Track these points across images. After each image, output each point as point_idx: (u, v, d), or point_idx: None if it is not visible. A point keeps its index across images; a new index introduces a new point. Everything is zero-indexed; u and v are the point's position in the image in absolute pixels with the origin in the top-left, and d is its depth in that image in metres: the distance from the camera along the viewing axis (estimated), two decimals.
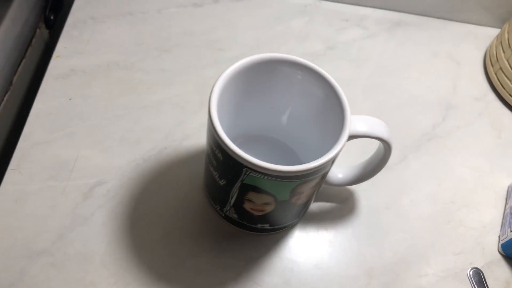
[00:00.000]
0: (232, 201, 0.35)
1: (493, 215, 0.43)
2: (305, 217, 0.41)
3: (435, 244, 0.41)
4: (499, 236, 0.42)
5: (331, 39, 0.52)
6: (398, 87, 0.50)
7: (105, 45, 0.48)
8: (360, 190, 0.43)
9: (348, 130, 0.32)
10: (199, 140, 0.44)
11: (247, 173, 0.31)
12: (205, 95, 0.47)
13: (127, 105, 0.45)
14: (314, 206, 0.41)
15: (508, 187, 0.45)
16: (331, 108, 0.34)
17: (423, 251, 0.41)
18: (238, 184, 0.33)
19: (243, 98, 0.37)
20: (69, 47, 0.48)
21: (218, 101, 0.32)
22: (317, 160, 0.31)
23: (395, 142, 0.37)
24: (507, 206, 0.43)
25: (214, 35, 0.51)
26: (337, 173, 0.40)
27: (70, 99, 0.45)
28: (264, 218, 0.37)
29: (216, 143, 0.31)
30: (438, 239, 0.41)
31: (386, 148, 0.36)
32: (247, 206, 0.35)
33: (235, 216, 0.37)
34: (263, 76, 0.36)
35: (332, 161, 0.32)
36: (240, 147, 0.43)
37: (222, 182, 0.34)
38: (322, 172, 0.32)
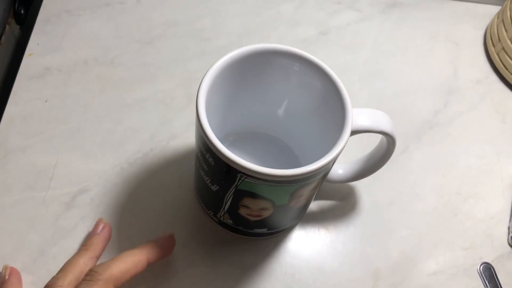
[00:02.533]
0: (226, 207, 0.33)
1: (501, 205, 0.41)
2: (305, 217, 0.38)
3: (443, 239, 0.39)
4: (508, 227, 0.40)
5: (323, 24, 0.49)
6: (396, 73, 0.47)
7: (82, 40, 0.45)
8: (362, 185, 0.40)
9: (350, 125, 0.30)
10: (188, 139, 0.41)
11: (242, 178, 0.28)
12: (192, 89, 0.44)
13: (108, 105, 0.41)
14: (314, 204, 0.39)
15: None
16: (330, 102, 0.32)
17: (430, 248, 0.38)
18: (232, 190, 0.30)
19: (234, 93, 0.34)
20: (43, 44, 0.44)
21: (207, 97, 0.29)
22: (318, 161, 0.28)
23: (396, 132, 0.34)
24: None
25: (199, 24, 0.47)
26: (337, 169, 0.37)
27: (45, 101, 0.41)
28: (261, 223, 0.34)
29: (206, 146, 0.29)
30: (445, 234, 0.39)
31: (390, 142, 0.33)
32: (243, 211, 0.32)
33: (229, 221, 0.35)
34: (256, 69, 0.33)
35: (334, 160, 0.29)
36: (232, 146, 0.41)
37: (214, 188, 0.32)
38: (323, 173, 0.30)
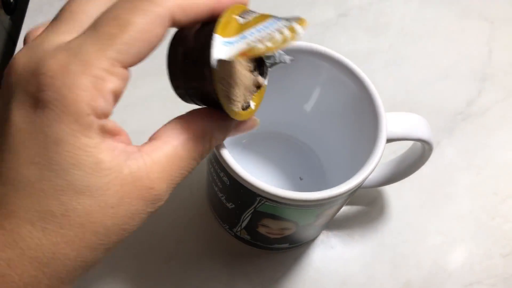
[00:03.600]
0: (243, 224, 0.29)
1: None
2: (328, 226, 0.35)
3: (479, 246, 0.36)
4: None
5: (343, 4, 0.45)
6: (424, 57, 0.43)
7: None
8: (389, 188, 0.37)
9: (385, 136, 0.26)
10: None
11: (262, 202, 0.25)
12: None
13: None
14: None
15: None
16: (360, 105, 0.28)
17: (466, 256, 0.35)
18: (250, 211, 0.27)
19: None
20: None
21: None
22: (351, 180, 0.24)
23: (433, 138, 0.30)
24: None
25: None
26: None
27: None
28: (283, 240, 0.31)
29: (219, 165, 0.25)
30: (482, 239, 0.36)
31: (426, 149, 0.30)
32: (262, 230, 0.29)
33: (247, 237, 0.32)
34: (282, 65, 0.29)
35: (368, 176, 0.25)
36: (246, 148, 0.36)
37: (230, 206, 0.28)
38: (355, 191, 0.26)
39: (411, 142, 0.31)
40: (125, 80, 0.17)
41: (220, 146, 0.24)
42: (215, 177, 0.27)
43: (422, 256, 0.35)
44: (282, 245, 0.32)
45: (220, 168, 0.25)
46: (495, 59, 0.43)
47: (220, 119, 0.20)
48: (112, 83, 0.16)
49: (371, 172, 0.25)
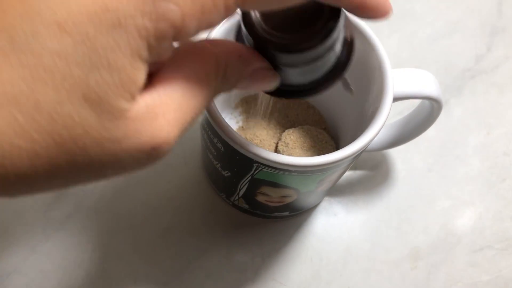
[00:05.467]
0: (241, 193, 0.28)
1: None
2: (331, 191, 0.33)
3: (490, 209, 0.34)
4: None
5: None
6: (430, 12, 0.40)
7: None
8: (394, 151, 0.35)
9: (391, 94, 0.24)
10: None
11: (259, 168, 0.23)
12: None
13: None
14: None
15: None
16: (364, 62, 0.26)
17: (476, 220, 0.33)
18: (247, 178, 0.25)
19: None
20: None
21: None
22: (355, 142, 0.23)
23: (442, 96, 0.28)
24: None
25: None
26: None
27: None
28: (283, 208, 0.29)
29: (212, 130, 0.23)
30: (492, 202, 0.34)
31: (435, 108, 0.27)
32: (261, 198, 0.27)
33: (245, 206, 0.30)
34: None
35: (373, 138, 0.23)
36: (245, 113, 0.34)
37: (226, 174, 0.26)
38: (360, 153, 0.24)
39: (417, 101, 0.29)
40: None
41: (211, 109, 0.22)
42: (208, 144, 0.25)
43: (429, 221, 0.33)
44: (283, 213, 0.30)
45: (214, 133, 0.23)
46: (505, 13, 0.41)
47: (239, 49, 0.16)
48: None
49: (376, 134, 0.23)
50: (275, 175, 0.23)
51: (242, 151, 0.22)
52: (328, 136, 0.31)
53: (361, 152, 0.24)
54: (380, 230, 0.33)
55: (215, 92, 0.16)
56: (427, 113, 0.29)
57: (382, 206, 0.33)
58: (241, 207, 0.30)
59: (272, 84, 0.18)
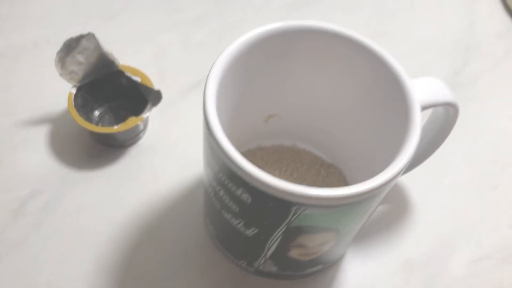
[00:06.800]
0: (270, 253, 0.24)
1: None
2: None
3: (484, 217, 0.32)
4: None
5: None
6: (405, 31, 0.41)
7: (30, 20, 0.38)
8: None
9: (418, 104, 0.22)
10: (160, 127, 0.33)
11: (299, 211, 0.19)
12: (165, 65, 0.37)
13: (64, 91, 0.34)
14: None
15: None
16: (378, 85, 0.24)
17: (470, 228, 0.31)
18: (281, 230, 0.21)
19: (246, 85, 0.25)
20: None
21: (217, 99, 0.21)
22: (400, 157, 0.20)
23: None
24: None
25: None
26: None
27: None
28: (317, 260, 0.26)
29: (235, 179, 0.19)
30: (486, 210, 0.32)
31: (451, 114, 0.25)
32: (295, 253, 0.24)
33: (273, 269, 0.26)
34: (279, 52, 0.24)
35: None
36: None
37: (251, 232, 0.23)
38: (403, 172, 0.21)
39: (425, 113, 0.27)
40: None
41: (234, 155, 0.19)
42: (227, 201, 0.22)
43: (422, 231, 0.31)
44: (315, 267, 0.27)
45: (237, 183, 0.20)
46: (477, 31, 0.41)
47: None
48: None
49: (418, 141, 0.21)
50: (317, 216, 0.20)
51: (281, 194, 0.18)
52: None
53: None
54: (369, 242, 0.30)
55: None
56: (443, 121, 0.26)
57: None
58: (267, 273, 0.26)
59: None
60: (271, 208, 0.20)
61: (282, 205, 0.19)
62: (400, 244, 0.30)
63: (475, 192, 0.33)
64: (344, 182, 0.30)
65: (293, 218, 0.20)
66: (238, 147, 0.28)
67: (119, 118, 0.32)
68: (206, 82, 0.21)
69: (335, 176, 0.30)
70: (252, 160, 0.29)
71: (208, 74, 0.21)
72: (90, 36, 0.29)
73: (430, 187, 0.33)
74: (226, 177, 0.20)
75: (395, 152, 0.21)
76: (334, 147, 0.30)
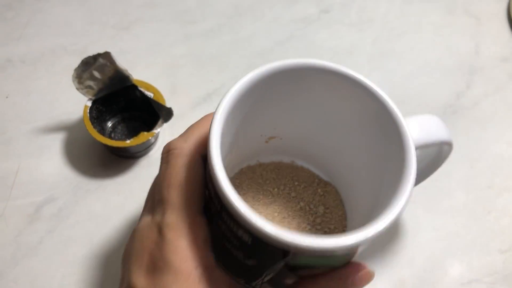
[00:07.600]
0: (267, 278, 0.25)
1: None
2: None
3: (476, 241, 0.33)
4: None
5: (325, 0, 0.44)
6: (410, 52, 0.41)
7: (49, 27, 0.39)
8: None
9: (412, 145, 0.22)
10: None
11: (296, 256, 0.21)
12: (176, 77, 0.38)
13: (80, 99, 0.36)
14: None
15: None
16: (375, 120, 0.25)
17: (462, 252, 0.32)
18: (278, 265, 0.22)
19: (250, 113, 0.26)
20: (3, 33, 0.39)
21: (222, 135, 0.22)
22: (394, 204, 0.21)
23: None
24: None
25: (181, 5, 0.42)
26: None
27: (6, 97, 0.36)
28: None
29: (237, 223, 0.21)
30: (478, 235, 0.33)
31: (445, 150, 0.27)
32: (291, 280, 0.25)
33: None
34: (283, 87, 0.26)
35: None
36: (242, 175, 0.30)
37: (250, 262, 0.23)
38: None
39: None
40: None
41: (231, 197, 0.20)
42: (227, 235, 0.22)
43: (414, 252, 0.32)
44: None
45: (237, 225, 0.20)
46: (482, 53, 0.42)
47: None
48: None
49: (413, 182, 0.22)
50: (311, 258, 0.21)
51: (279, 244, 0.19)
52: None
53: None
54: (364, 261, 0.31)
55: None
56: (434, 156, 0.28)
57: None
58: None
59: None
60: (271, 251, 0.21)
61: (281, 249, 0.20)
62: (393, 263, 0.32)
63: (470, 216, 0.34)
64: (339, 201, 0.31)
65: (290, 259, 0.21)
66: (239, 163, 0.30)
67: (131, 129, 0.34)
68: (211, 127, 0.21)
69: (331, 195, 0.31)
70: (251, 177, 0.30)
71: (212, 124, 0.21)
72: (107, 54, 0.30)
73: (426, 208, 0.34)
74: (227, 217, 0.21)
75: (390, 175, 0.22)
76: (330, 168, 0.31)
